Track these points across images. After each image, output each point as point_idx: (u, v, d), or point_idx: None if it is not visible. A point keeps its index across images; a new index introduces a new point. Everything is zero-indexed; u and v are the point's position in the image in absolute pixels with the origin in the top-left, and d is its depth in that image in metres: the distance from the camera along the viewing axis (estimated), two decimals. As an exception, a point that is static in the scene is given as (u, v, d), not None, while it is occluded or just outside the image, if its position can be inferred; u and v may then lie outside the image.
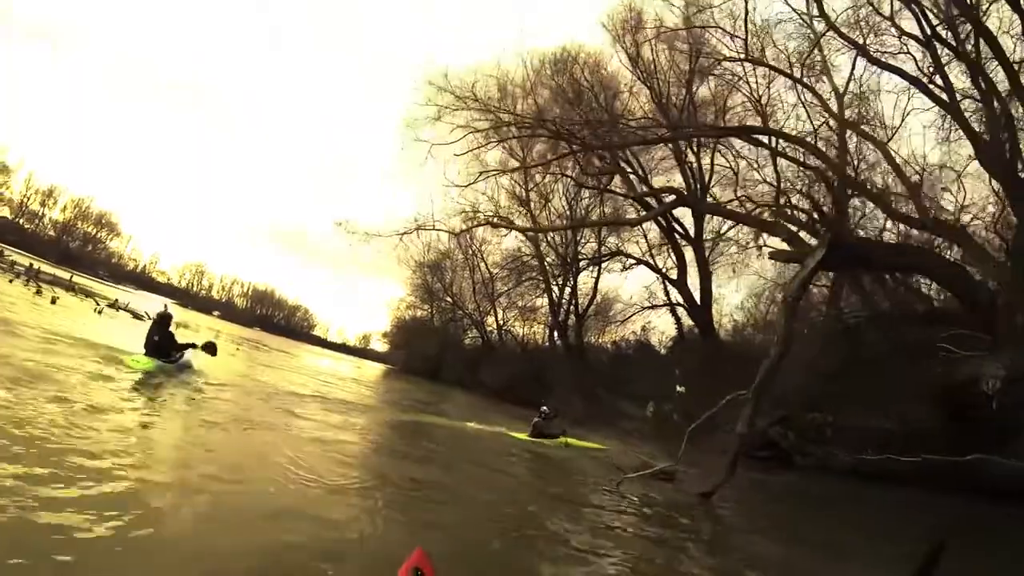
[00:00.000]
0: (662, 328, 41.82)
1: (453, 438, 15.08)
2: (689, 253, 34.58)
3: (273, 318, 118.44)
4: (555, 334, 47.14)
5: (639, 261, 38.86)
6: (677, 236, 35.32)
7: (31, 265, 28.88)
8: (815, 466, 18.69)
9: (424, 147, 23.30)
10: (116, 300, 29.22)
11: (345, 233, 24.09)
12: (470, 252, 53.61)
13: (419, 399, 26.23)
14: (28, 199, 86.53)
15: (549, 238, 44.43)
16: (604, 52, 32.58)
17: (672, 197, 22.29)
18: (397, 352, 66.83)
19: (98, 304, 24.47)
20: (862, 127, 22.69)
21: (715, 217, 32.80)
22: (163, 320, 12.18)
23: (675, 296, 36.64)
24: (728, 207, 27.77)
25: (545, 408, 17.67)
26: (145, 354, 11.72)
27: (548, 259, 44.75)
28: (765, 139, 23.13)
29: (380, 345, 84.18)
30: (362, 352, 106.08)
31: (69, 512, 3.88)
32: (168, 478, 5.18)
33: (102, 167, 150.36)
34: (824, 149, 22.60)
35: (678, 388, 26.10)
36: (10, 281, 22.73)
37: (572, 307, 44.54)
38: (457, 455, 12.05)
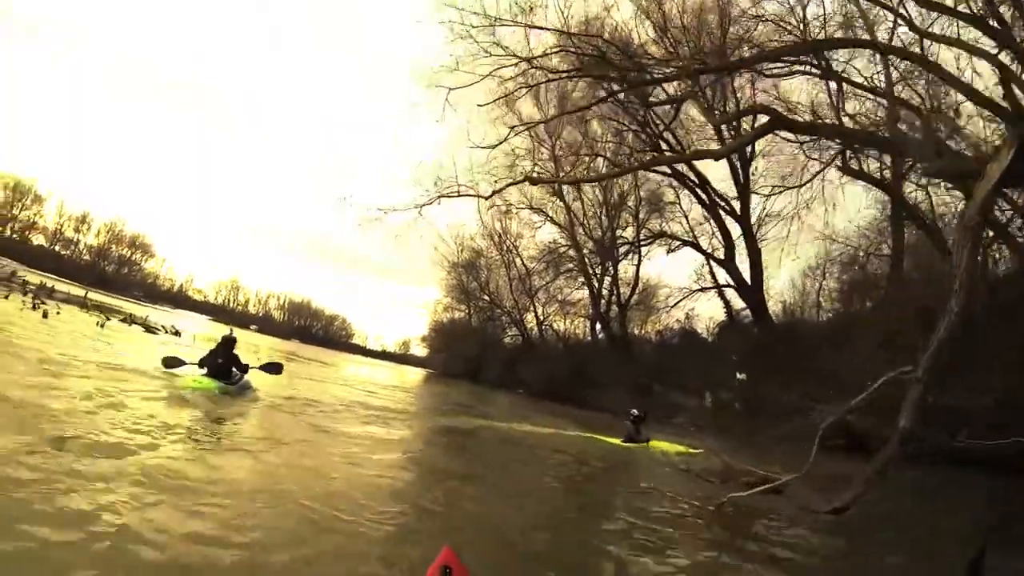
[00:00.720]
0: (708, 313, 39.58)
1: (505, 443, 13.88)
2: (735, 231, 32.74)
3: (311, 329, 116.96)
4: (597, 326, 45.20)
5: (683, 242, 36.50)
6: (722, 213, 33.55)
7: (43, 284, 27.55)
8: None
9: (440, 99, 18.87)
10: (131, 315, 28.11)
11: (352, 210, 19.86)
12: (504, 248, 52.10)
13: (459, 402, 25.10)
14: (62, 226, 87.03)
15: (586, 224, 42.47)
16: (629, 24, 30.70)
17: (766, 119, 17.71)
18: (437, 356, 65.63)
19: (108, 318, 23.12)
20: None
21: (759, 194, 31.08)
22: (228, 343, 12.34)
23: (723, 278, 34.55)
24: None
25: (635, 411, 16.40)
26: (206, 374, 11.69)
27: (586, 248, 42.80)
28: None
29: (420, 350, 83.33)
30: (402, 358, 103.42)
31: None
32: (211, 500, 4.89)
33: (115, 178, 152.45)
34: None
35: (738, 376, 24.22)
36: (5, 296, 21.41)
37: (614, 297, 42.42)
38: (513, 459, 11.50)
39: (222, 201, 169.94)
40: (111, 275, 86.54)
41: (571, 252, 43.68)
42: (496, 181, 20.10)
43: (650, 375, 31.48)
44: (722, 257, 33.15)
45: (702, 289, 35.25)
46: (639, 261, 40.79)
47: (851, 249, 26.00)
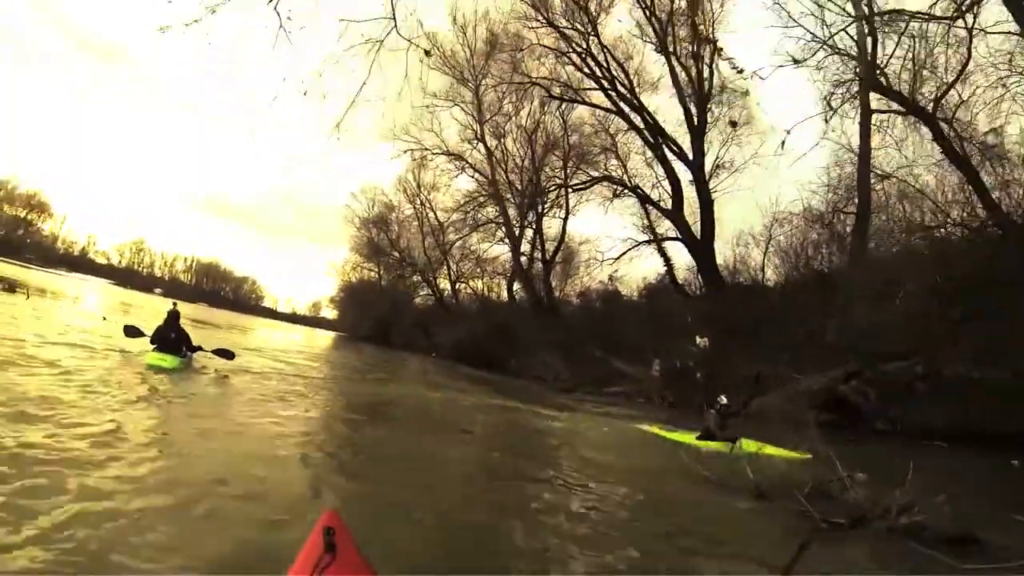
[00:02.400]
0: (642, 274, 35.70)
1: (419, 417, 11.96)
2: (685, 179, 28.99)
3: (220, 292, 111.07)
4: (513, 287, 41.81)
5: (624, 186, 31.83)
6: (670, 155, 29.31)
7: None
8: (897, 431, 13.94)
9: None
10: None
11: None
12: (418, 201, 48.61)
13: (361, 368, 22.86)
14: None
15: (510, 170, 38.72)
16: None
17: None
18: (346, 318, 62.64)
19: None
20: None
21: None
22: (176, 317, 12.20)
23: (667, 231, 30.70)
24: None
25: (723, 400, 11.59)
26: (156, 349, 11.57)
27: (508, 199, 38.94)
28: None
29: (331, 312, 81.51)
30: (313, 321, 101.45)
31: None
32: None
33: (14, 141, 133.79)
34: None
35: (697, 340, 20.85)
36: None
37: (537, 254, 38.56)
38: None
39: (127, 159, 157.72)
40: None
41: (491, 204, 40.07)
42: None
43: (582, 339, 27.72)
44: (669, 208, 29.36)
45: (643, 243, 30.99)
46: (566, 214, 36.86)
47: (818, 207, 24.01)
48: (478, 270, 45.45)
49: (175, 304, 13.26)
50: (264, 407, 8.91)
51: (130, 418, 6.31)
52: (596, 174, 33.40)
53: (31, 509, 3.54)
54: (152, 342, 11.83)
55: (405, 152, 41.96)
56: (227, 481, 4.78)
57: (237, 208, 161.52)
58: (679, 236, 28.84)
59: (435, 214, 47.23)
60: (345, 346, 43.51)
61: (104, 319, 18.73)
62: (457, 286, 48.04)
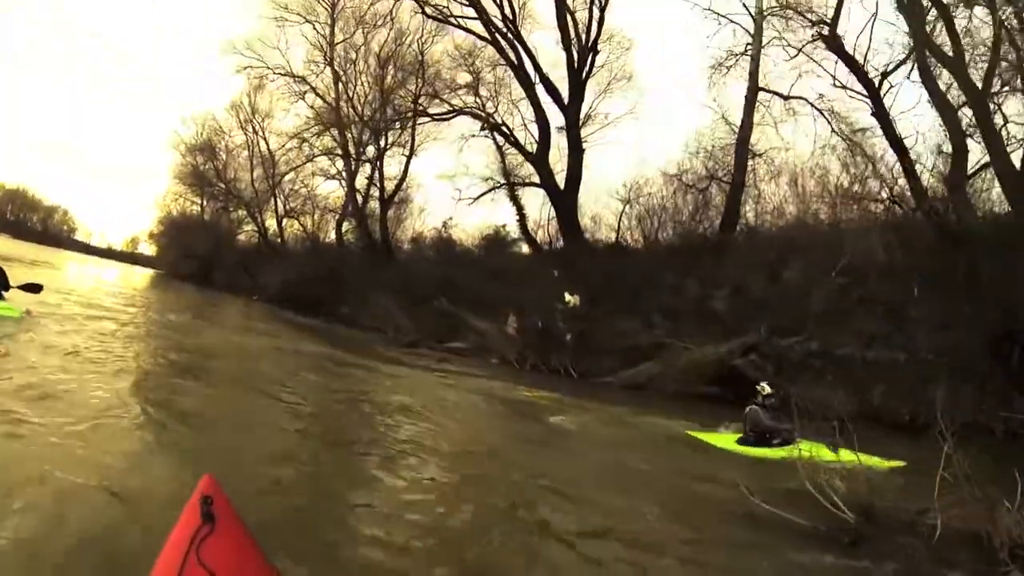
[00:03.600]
0: (475, 225, 32.62)
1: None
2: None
3: (27, 223, 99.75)
4: (342, 227, 38.24)
5: (481, 119, 28.83)
6: (541, 94, 26.72)
7: None
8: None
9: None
10: None
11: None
12: (251, 128, 44.06)
13: (176, 310, 21.34)
14: None
15: (356, 100, 35.11)
16: None
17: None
18: (166, 255, 56.65)
19: None
20: None
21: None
22: None
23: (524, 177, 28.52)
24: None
25: (765, 387, 8.68)
26: None
27: (350, 132, 35.39)
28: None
29: (150, 248, 73.43)
30: (130, 257, 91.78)
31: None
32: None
33: None
34: None
35: (567, 297, 18.62)
36: None
37: (375, 192, 35.15)
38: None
39: None
40: None
41: (330, 134, 36.39)
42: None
43: (424, 289, 24.86)
44: (533, 152, 27.09)
45: (500, 186, 28.57)
46: (411, 151, 33.62)
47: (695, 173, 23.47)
48: (308, 206, 41.56)
49: None
50: (72, 361, 7.86)
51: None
52: (456, 105, 30.14)
53: None
54: None
55: (244, 69, 37.83)
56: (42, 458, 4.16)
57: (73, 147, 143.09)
58: (540, 183, 26.68)
59: (267, 144, 42.99)
60: (163, 286, 40.25)
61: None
62: (284, 223, 43.92)
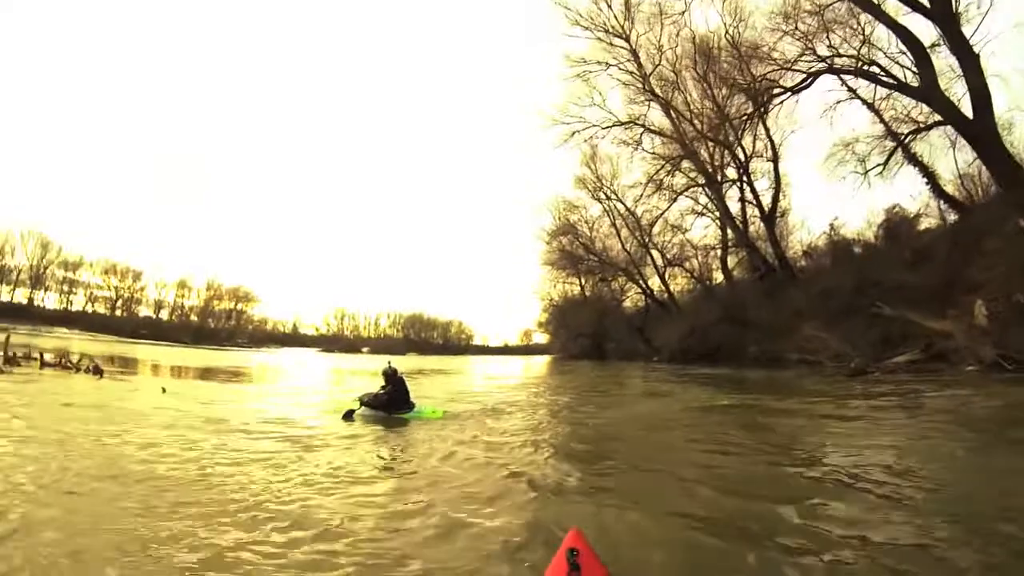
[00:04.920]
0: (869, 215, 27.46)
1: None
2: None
3: (429, 340, 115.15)
4: (727, 261, 34.75)
5: (854, 71, 22.95)
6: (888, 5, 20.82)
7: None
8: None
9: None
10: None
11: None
12: (603, 195, 43.40)
13: (577, 388, 20.20)
14: (163, 295, 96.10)
15: (695, 117, 31.80)
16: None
17: None
18: (557, 338, 61.63)
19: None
20: None
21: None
22: (392, 375, 11.81)
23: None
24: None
25: None
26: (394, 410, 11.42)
27: (701, 149, 32.26)
28: None
29: (541, 336, 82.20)
30: (525, 349, 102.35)
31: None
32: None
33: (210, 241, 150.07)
34: None
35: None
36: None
37: (754, 210, 31.29)
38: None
39: (316, 236, 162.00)
40: (208, 331, 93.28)
41: (684, 168, 33.48)
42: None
43: (844, 300, 20.23)
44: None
45: (908, 135, 22.60)
46: (774, 154, 29.45)
47: None
48: (687, 250, 39.02)
49: (389, 362, 12.71)
50: (485, 444, 8.43)
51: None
52: (810, 66, 24.33)
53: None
54: (390, 406, 11.42)
55: (572, 136, 36.50)
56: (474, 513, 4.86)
57: (433, 254, 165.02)
58: (943, 118, 20.47)
59: (624, 204, 41.73)
60: (558, 368, 39.90)
61: (164, 391, 15.09)
62: (666, 277, 41.75)
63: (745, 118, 28.06)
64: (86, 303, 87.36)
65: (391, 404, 11.36)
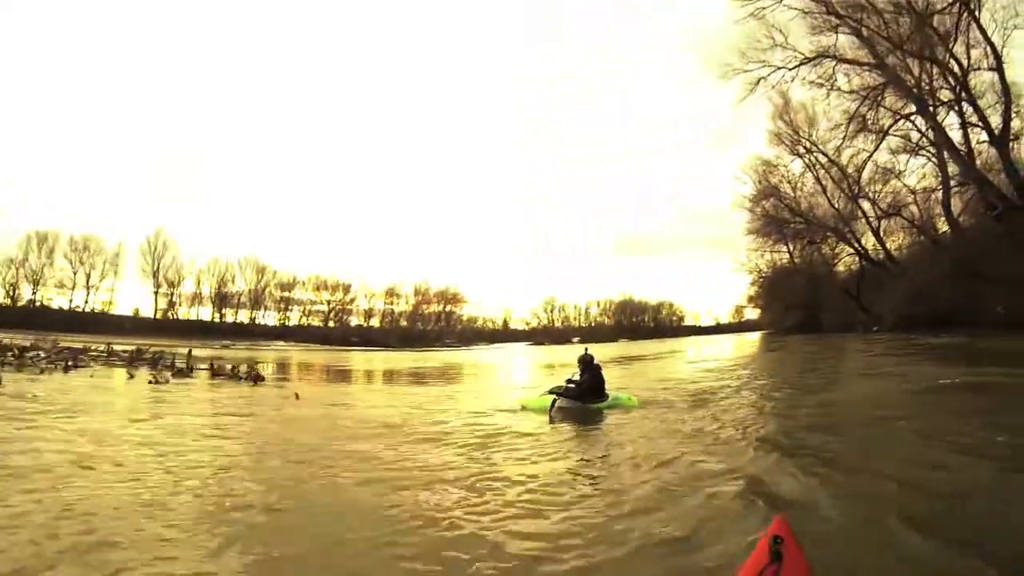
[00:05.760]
0: None
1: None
2: None
3: (639, 324, 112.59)
4: (950, 207, 28.55)
5: None
6: None
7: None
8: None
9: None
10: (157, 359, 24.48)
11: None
12: (801, 148, 39.64)
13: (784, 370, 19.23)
14: (372, 303, 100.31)
15: (888, 32, 26.48)
16: None
17: None
18: (768, 312, 59.80)
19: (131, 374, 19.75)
20: None
21: None
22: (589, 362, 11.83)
23: None
24: None
25: None
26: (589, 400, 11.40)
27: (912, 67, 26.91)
28: None
29: (752, 312, 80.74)
30: (738, 326, 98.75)
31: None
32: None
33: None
34: None
35: None
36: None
37: (979, 133, 25.26)
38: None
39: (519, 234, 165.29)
40: (416, 333, 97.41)
41: (889, 94, 28.54)
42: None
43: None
44: None
45: None
46: (997, 59, 23.41)
47: None
48: (903, 196, 33.84)
49: (587, 349, 12.76)
50: (675, 437, 8.11)
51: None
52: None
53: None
54: (584, 397, 11.36)
55: (757, 84, 32.67)
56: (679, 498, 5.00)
57: (641, 242, 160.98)
58: None
59: (825, 155, 37.82)
60: (770, 344, 39.50)
61: (297, 396, 14.99)
62: (882, 232, 36.94)
63: (948, 8, 22.72)
64: (301, 317, 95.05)
65: (585, 394, 11.31)
